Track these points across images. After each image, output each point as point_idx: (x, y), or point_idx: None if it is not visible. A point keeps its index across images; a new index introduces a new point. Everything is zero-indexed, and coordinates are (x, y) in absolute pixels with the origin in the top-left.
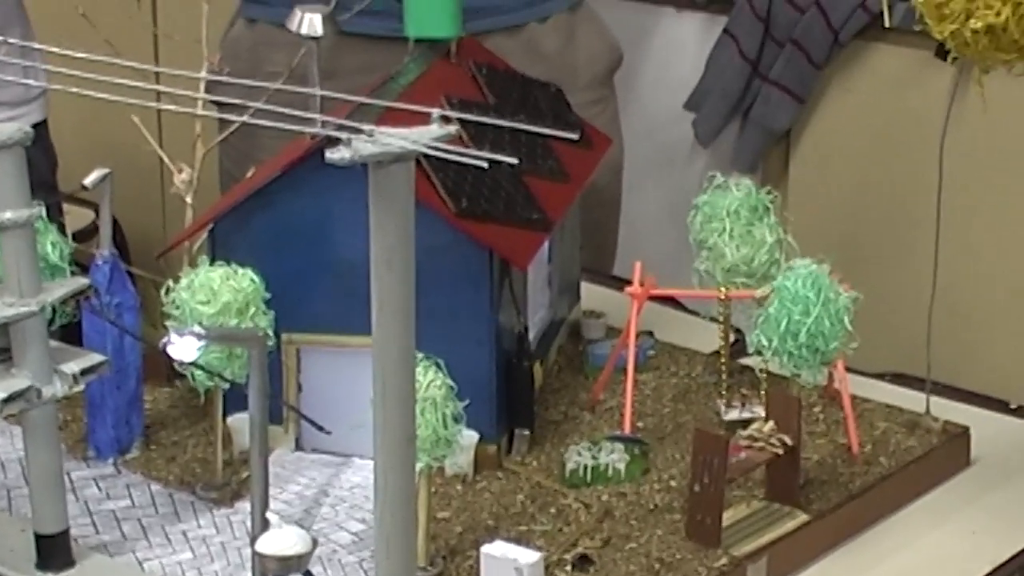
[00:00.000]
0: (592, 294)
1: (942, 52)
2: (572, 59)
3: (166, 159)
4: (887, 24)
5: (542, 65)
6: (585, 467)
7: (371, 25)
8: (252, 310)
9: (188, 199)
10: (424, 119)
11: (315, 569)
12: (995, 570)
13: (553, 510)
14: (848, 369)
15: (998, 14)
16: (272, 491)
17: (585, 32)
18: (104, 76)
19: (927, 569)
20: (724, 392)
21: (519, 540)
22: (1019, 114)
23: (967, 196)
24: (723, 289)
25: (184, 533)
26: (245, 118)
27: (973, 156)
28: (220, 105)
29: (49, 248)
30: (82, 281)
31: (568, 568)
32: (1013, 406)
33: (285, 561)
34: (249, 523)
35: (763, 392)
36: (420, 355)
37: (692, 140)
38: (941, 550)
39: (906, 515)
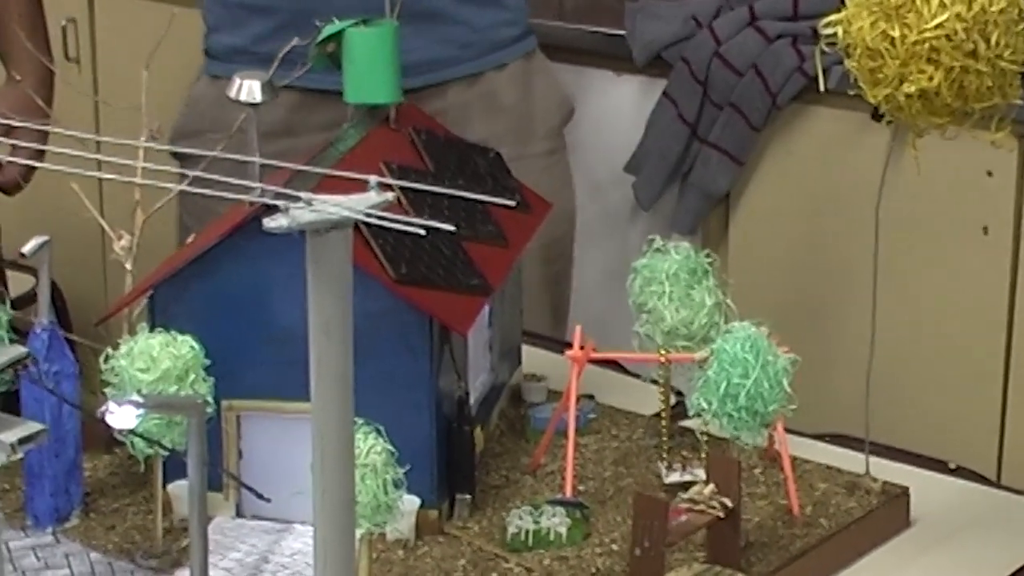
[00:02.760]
0: (533, 357)
1: (878, 115)
2: (529, 109)
3: (106, 226)
4: (822, 88)
5: (502, 115)
6: (527, 531)
7: (336, 81)
8: (192, 377)
9: (128, 265)
10: (363, 186)
11: None
12: None
13: (495, 575)
14: (788, 430)
15: (930, 79)
16: (213, 558)
17: (540, 82)
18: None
19: None
20: (665, 455)
21: None
22: (953, 176)
23: (903, 257)
24: (663, 352)
25: None
26: (183, 186)
27: (909, 217)
28: (180, 160)
29: None
30: (20, 349)
31: None
32: (952, 466)
33: None
34: None
35: (703, 454)
36: (360, 421)
37: (632, 203)
38: None
39: None
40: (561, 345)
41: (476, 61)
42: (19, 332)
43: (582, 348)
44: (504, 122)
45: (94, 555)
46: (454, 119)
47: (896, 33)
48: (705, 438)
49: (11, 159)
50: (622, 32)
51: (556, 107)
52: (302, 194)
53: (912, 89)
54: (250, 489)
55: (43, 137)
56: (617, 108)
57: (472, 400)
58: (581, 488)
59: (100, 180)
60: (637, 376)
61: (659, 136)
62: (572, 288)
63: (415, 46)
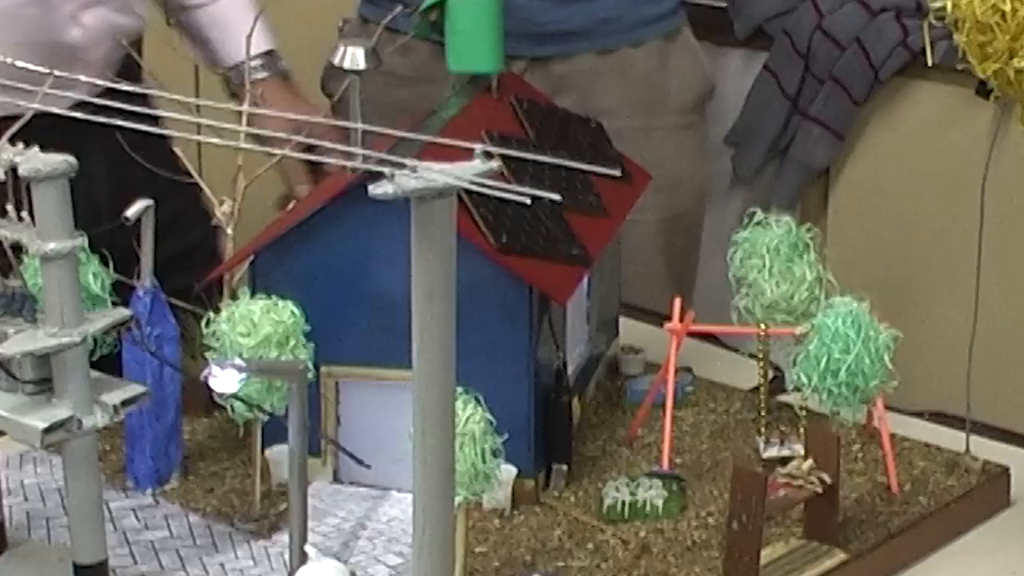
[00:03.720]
0: (631, 329)
1: (984, 90)
2: (663, 82)
3: (208, 191)
4: (930, 62)
5: (632, 87)
6: (623, 503)
7: None
8: (292, 343)
9: (229, 231)
10: (466, 154)
11: None
12: None
13: (590, 545)
14: (888, 407)
15: None
16: (310, 524)
17: (679, 59)
18: (146, 108)
19: None
20: (763, 429)
21: (556, 575)
22: None
23: (1008, 234)
24: (762, 326)
25: (222, 565)
26: (286, 152)
27: (1015, 194)
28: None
29: (91, 279)
30: (124, 312)
31: None
32: None
33: None
34: (287, 556)
35: (802, 429)
36: (460, 389)
37: (731, 175)
38: None
39: (945, 555)
40: (660, 318)
41: (613, 37)
42: (121, 296)
43: (681, 321)
44: (633, 93)
45: (193, 517)
46: (580, 84)
47: (1007, 7)
48: (804, 413)
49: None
50: (724, 5)
51: (694, 84)
52: (408, 161)
53: (1022, 64)
54: (349, 454)
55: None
56: (718, 81)
57: (570, 371)
58: (678, 460)
59: (199, 145)
60: (736, 350)
61: (760, 109)
62: (698, 259)
63: (555, 17)
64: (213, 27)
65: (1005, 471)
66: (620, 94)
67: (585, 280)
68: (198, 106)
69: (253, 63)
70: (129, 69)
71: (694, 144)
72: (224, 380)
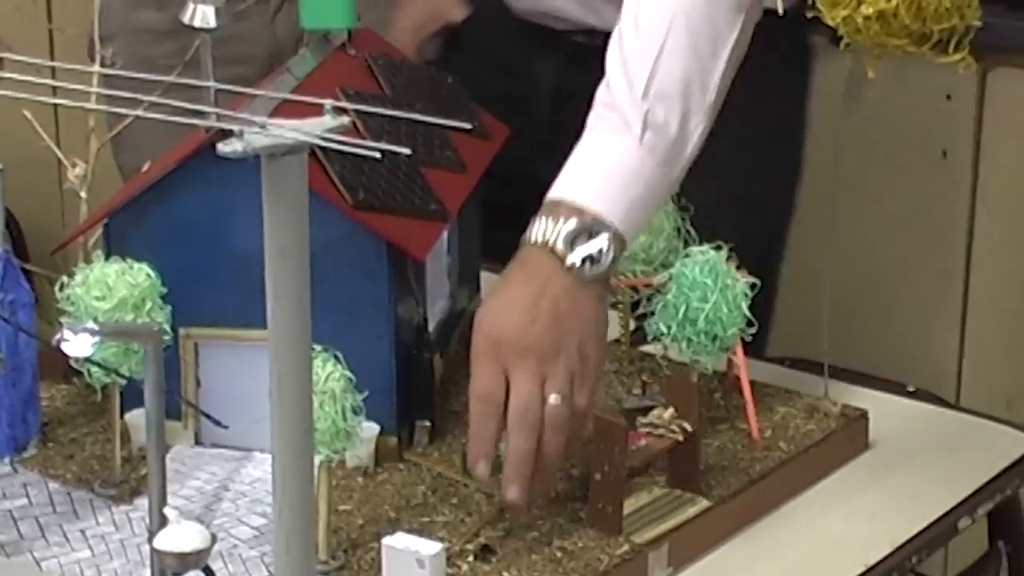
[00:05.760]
0: (493, 284)
1: (835, 38)
2: None
3: (60, 155)
4: (780, 11)
5: None
6: None
7: None
8: (148, 305)
9: (83, 194)
10: (318, 111)
11: (215, 565)
12: (894, 551)
13: (455, 500)
14: (746, 355)
15: (888, 0)
16: (171, 487)
17: None
18: None
19: (827, 552)
20: (625, 379)
21: (421, 531)
22: (912, 100)
23: (862, 181)
24: (622, 276)
25: (83, 531)
26: (139, 112)
27: (867, 141)
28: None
29: None
30: None
31: (470, 559)
32: (911, 389)
33: (184, 557)
34: (148, 520)
35: (663, 379)
36: (318, 348)
37: None
38: (841, 533)
39: (806, 499)
40: None
41: None
42: None
43: None
44: None
45: (52, 485)
46: None
47: None
48: (665, 363)
49: None
50: None
51: None
52: (257, 118)
53: (870, 11)
54: (208, 417)
55: None
56: None
57: (431, 327)
58: None
59: (55, 108)
60: None
61: None
62: None
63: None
64: None
65: (863, 415)
66: None
67: (444, 235)
68: (52, 68)
69: None
70: None
71: None
72: (77, 344)
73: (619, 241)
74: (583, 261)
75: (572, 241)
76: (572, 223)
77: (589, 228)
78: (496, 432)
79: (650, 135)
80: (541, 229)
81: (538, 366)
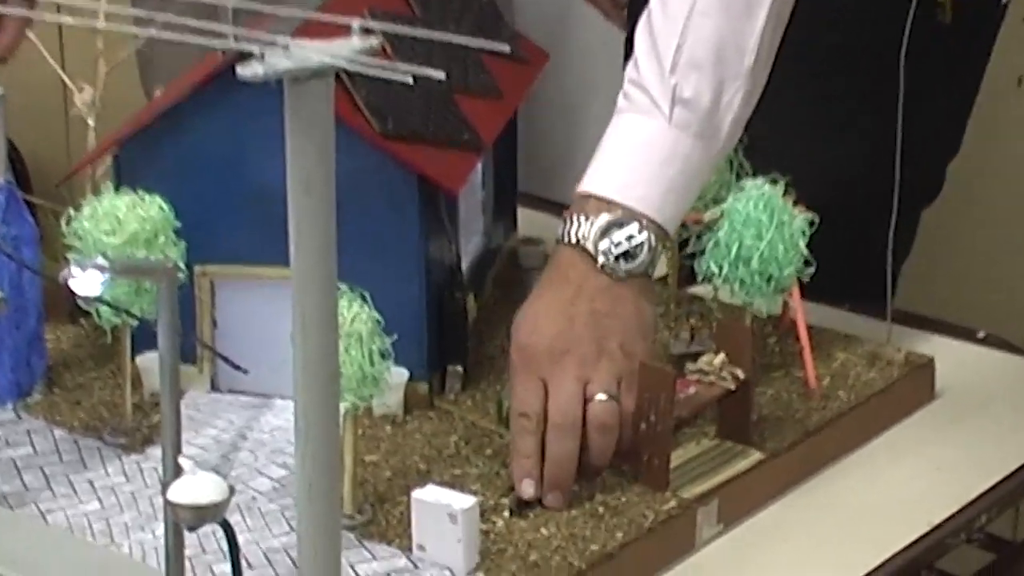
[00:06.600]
0: (530, 220)
1: None
2: None
3: (66, 79)
4: None
5: None
6: None
7: None
8: (161, 240)
9: (90, 121)
10: (345, 32)
11: (233, 518)
12: (961, 509)
13: (489, 451)
14: (804, 297)
15: None
16: (186, 435)
17: None
18: None
19: (889, 509)
20: (672, 323)
21: (453, 484)
22: None
23: None
24: None
25: (91, 482)
26: (150, 32)
27: None
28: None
29: None
30: None
31: (506, 513)
32: (980, 335)
33: (199, 510)
34: (161, 470)
35: (713, 323)
36: (344, 287)
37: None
38: (903, 489)
39: (866, 452)
40: (559, 207)
41: None
42: None
43: None
44: None
45: (58, 432)
46: None
47: None
48: (715, 305)
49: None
50: None
51: None
52: (279, 39)
53: None
54: (226, 360)
55: None
56: None
57: (464, 266)
58: None
59: (60, 30)
60: None
61: None
62: None
63: None
64: None
65: (929, 362)
66: None
67: (479, 168)
68: None
69: None
70: None
71: None
72: (85, 282)
73: (656, 230)
74: (617, 258)
75: (603, 238)
76: (603, 218)
77: (620, 221)
78: (537, 448)
79: (680, 111)
80: (572, 227)
81: (578, 369)
